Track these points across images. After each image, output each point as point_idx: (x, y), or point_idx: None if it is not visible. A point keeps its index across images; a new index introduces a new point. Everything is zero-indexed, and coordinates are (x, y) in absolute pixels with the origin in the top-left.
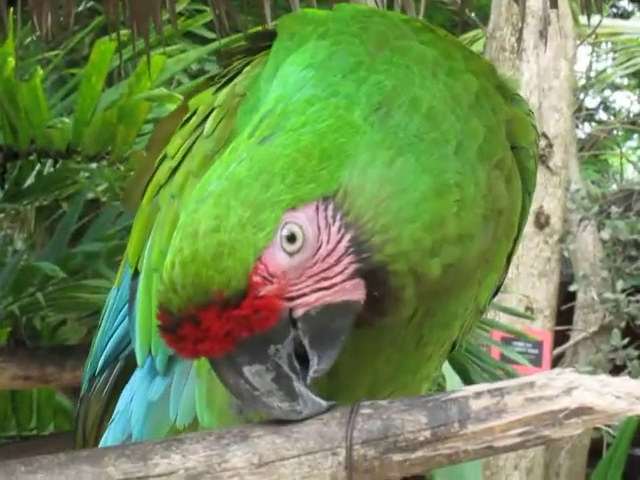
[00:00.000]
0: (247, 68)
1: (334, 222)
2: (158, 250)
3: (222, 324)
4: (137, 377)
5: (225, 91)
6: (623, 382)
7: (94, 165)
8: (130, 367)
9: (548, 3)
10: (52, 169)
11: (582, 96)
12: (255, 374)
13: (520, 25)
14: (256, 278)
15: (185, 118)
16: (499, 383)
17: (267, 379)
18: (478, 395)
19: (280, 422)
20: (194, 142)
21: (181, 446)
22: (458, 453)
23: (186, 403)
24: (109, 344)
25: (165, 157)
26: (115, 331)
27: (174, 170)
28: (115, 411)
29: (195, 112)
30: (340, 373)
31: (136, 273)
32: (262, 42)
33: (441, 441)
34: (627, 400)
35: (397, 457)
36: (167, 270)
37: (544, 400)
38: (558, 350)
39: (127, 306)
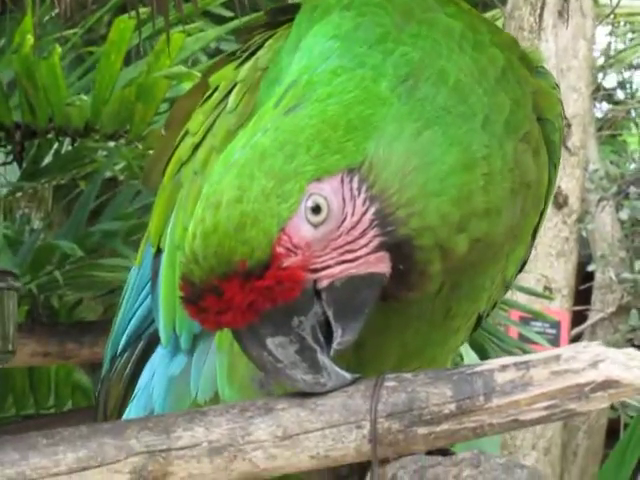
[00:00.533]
0: (269, 42)
1: (359, 194)
2: (182, 227)
3: (245, 295)
4: (159, 354)
5: (247, 65)
6: None
7: (112, 144)
8: (152, 346)
9: None
10: (70, 148)
11: (600, 76)
12: (278, 346)
13: (539, 4)
14: (280, 249)
15: (207, 95)
16: (525, 356)
17: (291, 351)
18: (504, 368)
19: (304, 395)
20: (217, 118)
21: (204, 419)
22: (483, 426)
23: (207, 378)
24: (131, 323)
25: (186, 134)
26: (137, 310)
27: (196, 146)
28: (136, 388)
29: (216, 88)
30: (367, 347)
31: (158, 251)
32: (282, 16)
33: (466, 414)
34: None
35: (422, 430)
36: (189, 241)
37: (570, 373)
38: (576, 330)
39: (149, 285)
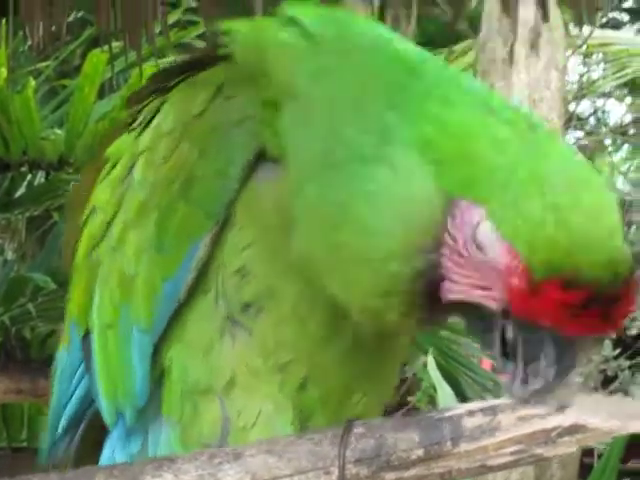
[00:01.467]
0: (165, 106)
1: None
2: (110, 306)
3: (624, 307)
4: (113, 437)
5: (148, 135)
6: (616, 400)
7: None
8: (95, 427)
9: (539, 15)
10: (43, 180)
11: (574, 106)
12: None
13: (511, 36)
14: None
15: (107, 169)
16: (492, 401)
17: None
18: (471, 413)
19: (272, 441)
20: (125, 192)
21: (173, 466)
22: (451, 472)
23: (164, 450)
24: (68, 408)
25: (94, 211)
26: (73, 394)
27: (108, 223)
28: None
29: (117, 161)
30: (318, 382)
31: (86, 332)
32: (166, 81)
33: (434, 460)
34: (620, 418)
35: (390, 476)
36: (578, 246)
37: (537, 418)
38: None
39: (82, 366)
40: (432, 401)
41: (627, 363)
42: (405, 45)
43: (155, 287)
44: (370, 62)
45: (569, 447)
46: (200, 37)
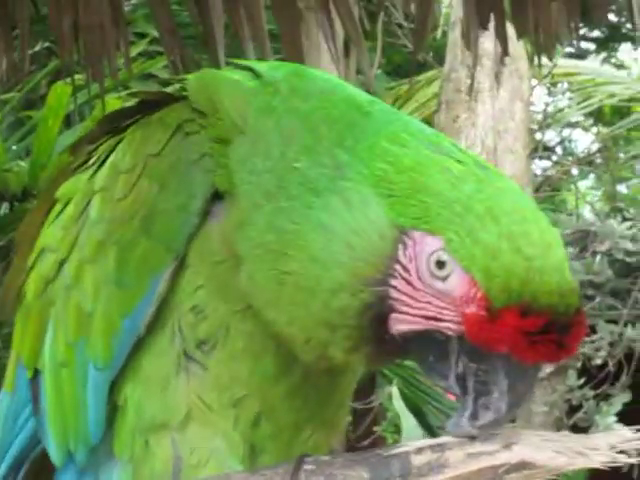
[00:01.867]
0: (120, 146)
1: None
2: (65, 344)
3: (577, 334)
4: (66, 477)
5: (103, 173)
6: (562, 437)
7: None
8: (38, 470)
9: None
10: (8, 211)
11: (539, 135)
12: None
13: (474, 68)
14: None
15: (56, 210)
16: (440, 439)
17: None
18: (420, 450)
19: (224, 479)
20: (80, 231)
21: None
22: None
23: None
24: (11, 451)
25: (43, 252)
26: (16, 437)
27: (62, 262)
28: None
29: (67, 202)
30: (268, 418)
31: (35, 373)
32: (115, 123)
33: None
34: (567, 455)
35: None
36: (533, 274)
37: (485, 455)
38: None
39: (28, 409)
40: (398, 431)
41: (592, 393)
42: (354, 89)
43: (114, 323)
44: (321, 101)
45: None
46: (166, 67)
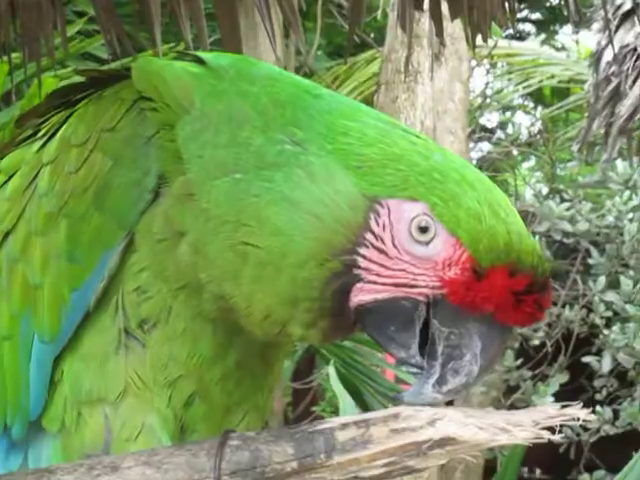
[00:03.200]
0: (73, 119)
1: None
2: (8, 316)
3: (550, 295)
4: None
5: (53, 146)
6: (486, 413)
7: None
8: None
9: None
10: None
11: (479, 116)
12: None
13: (414, 48)
14: None
15: (0, 180)
16: (365, 414)
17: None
18: (344, 426)
19: (150, 453)
20: (27, 203)
21: (52, 477)
22: None
23: (45, 461)
24: None
25: None
26: None
27: (6, 234)
28: None
29: (11, 174)
30: (200, 398)
31: None
32: (62, 99)
33: (308, 471)
34: (490, 431)
35: None
36: (514, 236)
37: (408, 431)
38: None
39: None
40: (336, 411)
41: (529, 373)
42: (297, 77)
43: (63, 297)
44: (269, 85)
45: (440, 459)
46: (103, 46)
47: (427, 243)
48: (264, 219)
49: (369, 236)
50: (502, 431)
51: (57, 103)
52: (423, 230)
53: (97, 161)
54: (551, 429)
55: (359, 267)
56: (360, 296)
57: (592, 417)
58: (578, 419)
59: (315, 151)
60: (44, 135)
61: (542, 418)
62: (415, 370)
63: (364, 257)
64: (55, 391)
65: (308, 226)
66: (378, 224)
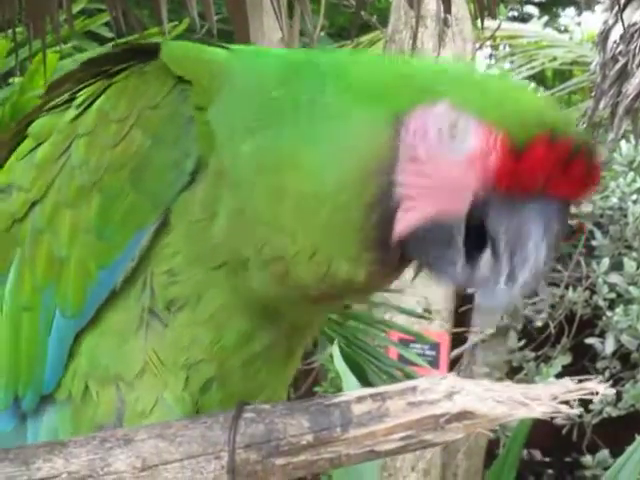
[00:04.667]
0: (112, 91)
1: None
2: (30, 288)
3: (598, 159)
4: None
5: (91, 117)
6: (504, 387)
7: None
8: None
9: (442, 7)
10: None
11: None
12: None
13: (418, 28)
14: None
15: (27, 146)
16: (381, 388)
17: None
18: (360, 399)
19: (163, 426)
20: (58, 173)
21: (64, 450)
22: (340, 457)
23: (55, 432)
24: None
25: (10, 187)
26: None
27: (33, 203)
28: None
29: (41, 140)
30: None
31: None
32: (96, 68)
33: (323, 445)
34: (508, 405)
35: (280, 461)
36: (542, 105)
37: (425, 404)
38: (456, 352)
39: None
40: (339, 391)
41: (532, 355)
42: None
43: (90, 273)
44: (284, 58)
45: (457, 433)
46: (106, 25)
47: (461, 140)
48: (297, 160)
49: (402, 153)
50: (520, 405)
51: (92, 72)
52: (452, 127)
53: (137, 138)
54: (567, 403)
55: (399, 185)
56: (404, 220)
57: (611, 391)
58: (597, 393)
59: (333, 92)
60: (80, 105)
61: (560, 392)
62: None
63: (402, 173)
64: (71, 364)
65: (340, 158)
66: (408, 139)
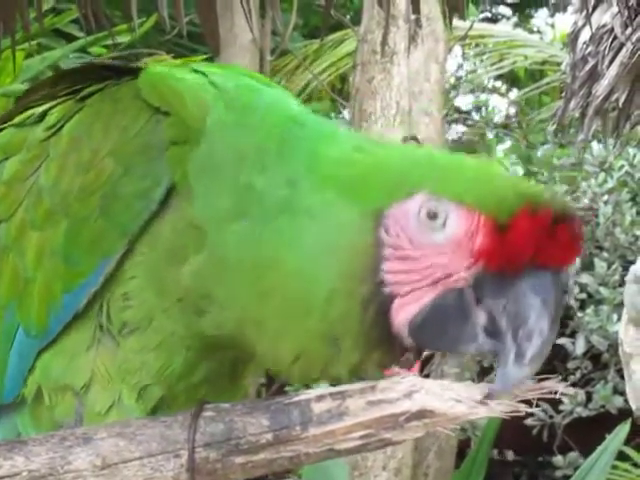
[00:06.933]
0: (87, 114)
1: None
2: None
3: (579, 224)
4: None
5: (64, 140)
6: (464, 386)
7: None
8: None
9: (411, 8)
10: None
11: (453, 98)
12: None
13: (390, 28)
14: None
15: None
16: (341, 387)
17: None
18: (320, 398)
19: (123, 424)
20: (28, 193)
21: (24, 448)
22: (300, 455)
23: (8, 433)
24: None
25: None
26: None
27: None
28: None
29: (7, 155)
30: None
31: None
32: (70, 84)
33: (283, 444)
34: (467, 404)
35: (239, 459)
36: (518, 182)
37: (385, 403)
38: (427, 352)
39: None
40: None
41: None
42: (290, 99)
43: (54, 296)
44: (267, 114)
45: (417, 432)
46: (73, 22)
47: (442, 226)
48: (281, 264)
49: (386, 250)
50: (480, 404)
51: (64, 88)
52: (433, 216)
53: (109, 167)
54: (528, 403)
55: (389, 283)
56: (403, 313)
57: (571, 390)
58: (556, 392)
59: (309, 188)
60: (52, 126)
61: (520, 391)
62: (495, 355)
63: (389, 271)
64: (29, 377)
65: (325, 263)
66: (390, 235)
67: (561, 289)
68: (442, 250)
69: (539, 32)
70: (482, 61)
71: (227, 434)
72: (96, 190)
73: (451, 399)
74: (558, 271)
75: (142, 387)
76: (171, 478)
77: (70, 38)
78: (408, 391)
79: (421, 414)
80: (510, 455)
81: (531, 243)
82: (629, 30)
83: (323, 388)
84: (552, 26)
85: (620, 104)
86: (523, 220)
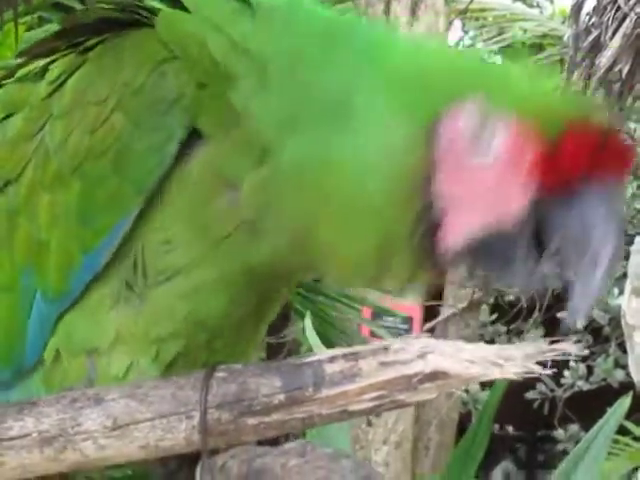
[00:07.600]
0: (89, 69)
1: None
2: (8, 268)
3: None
4: None
5: (66, 98)
6: (478, 347)
7: None
8: None
9: None
10: None
11: None
12: None
13: (391, 1)
14: None
15: None
16: (354, 348)
17: None
18: (332, 359)
19: (134, 385)
20: (35, 152)
21: (34, 409)
22: (312, 417)
23: (20, 396)
24: None
25: None
26: None
27: (7, 181)
28: None
29: (10, 112)
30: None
31: None
32: (74, 38)
33: (296, 405)
34: (481, 365)
35: (251, 420)
36: (565, 96)
37: (398, 364)
38: (428, 326)
39: None
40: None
41: (504, 329)
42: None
43: (73, 258)
44: (319, 22)
45: (430, 393)
46: None
47: (491, 138)
48: (342, 169)
49: (438, 162)
50: (493, 365)
51: (67, 42)
52: (485, 129)
53: (118, 123)
54: (542, 364)
55: (442, 199)
56: (455, 233)
57: (585, 352)
58: (570, 354)
59: (366, 92)
60: (54, 81)
61: (534, 352)
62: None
63: (442, 185)
64: (49, 341)
65: (381, 168)
66: (442, 148)
67: (621, 202)
68: (495, 167)
69: (538, 7)
70: (481, 34)
71: (239, 395)
72: (107, 148)
73: (465, 360)
74: (615, 185)
75: (161, 340)
76: (183, 439)
77: (71, 11)
78: (421, 352)
79: (434, 375)
80: (510, 429)
81: (586, 156)
82: (632, 1)
83: (336, 349)
84: (551, 1)
85: (623, 75)
86: (572, 134)
